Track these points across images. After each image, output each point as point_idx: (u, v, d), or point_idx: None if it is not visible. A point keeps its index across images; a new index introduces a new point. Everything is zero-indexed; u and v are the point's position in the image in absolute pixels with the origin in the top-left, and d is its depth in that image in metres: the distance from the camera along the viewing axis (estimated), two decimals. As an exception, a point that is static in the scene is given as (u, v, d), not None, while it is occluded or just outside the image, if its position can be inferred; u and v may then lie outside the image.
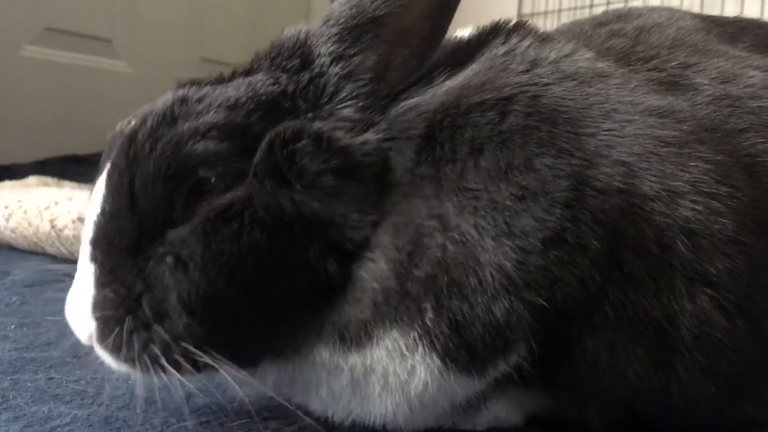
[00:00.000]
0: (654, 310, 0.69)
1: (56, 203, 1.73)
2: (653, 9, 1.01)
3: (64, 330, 0.74)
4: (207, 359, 0.68)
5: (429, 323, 0.68)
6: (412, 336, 0.69)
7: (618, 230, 0.68)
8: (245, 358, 0.72)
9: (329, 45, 0.75)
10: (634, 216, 0.68)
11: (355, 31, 0.74)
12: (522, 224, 0.67)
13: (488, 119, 0.71)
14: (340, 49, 0.75)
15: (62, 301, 0.73)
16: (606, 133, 0.71)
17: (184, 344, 0.68)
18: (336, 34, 0.75)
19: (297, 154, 0.69)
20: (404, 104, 0.75)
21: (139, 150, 0.70)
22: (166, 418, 0.80)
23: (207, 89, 0.74)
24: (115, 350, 0.70)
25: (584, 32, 0.93)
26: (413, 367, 0.69)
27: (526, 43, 0.80)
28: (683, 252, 0.68)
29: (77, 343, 0.73)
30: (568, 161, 0.68)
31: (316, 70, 0.75)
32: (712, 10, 2.77)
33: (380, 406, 0.72)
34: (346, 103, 0.74)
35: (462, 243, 0.68)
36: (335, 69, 0.74)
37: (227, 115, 0.70)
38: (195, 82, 0.78)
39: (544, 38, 0.83)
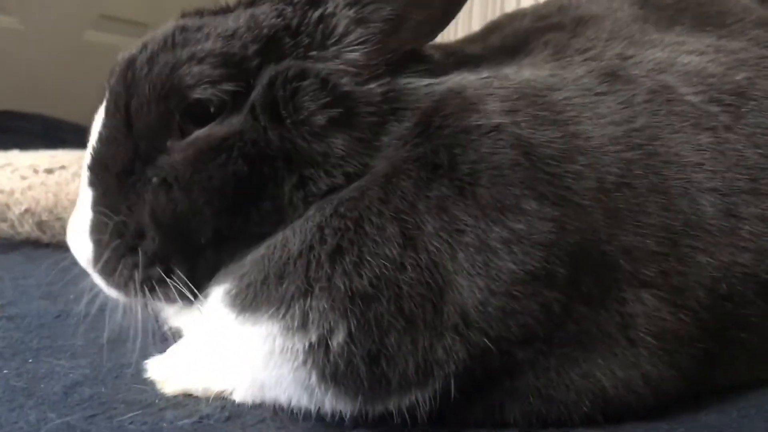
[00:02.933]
0: (610, 320, 0.71)
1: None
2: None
3: None
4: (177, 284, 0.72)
5: (333, 345, 0.65)
6: (294, 344, 0.67)
7: (581, 258, 0.69)
8: (197, 282, 0.74)
9: None
10: (591, 242, 0.70)
11: None
12: (500, 266, 0.66)
13: (487, 147, 0.69)
14: None
15: None
16: (576, 171, 0.71)
17: (158, 268, 0.72)
18: None
19: (299, 92, 0.70)
20: (412, 80, 0.75)
21: (137, 73, 0.72)
22: (44, 413, 0.73)
23: (207, 19, 0.76)
24: (106, 274, 0.74)
25: (525, 29, 0.94)
26: (278, 366, 0.68)
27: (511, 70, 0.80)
28: (625, 266, 0.71)
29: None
30: (550, 207, 0.68)
31: (328, 10, 0.74)
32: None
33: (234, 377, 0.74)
34: (354, 47, 0.73)
35: (428, 271, 0.66)
36: (348, 12, 0.73)
37: (224, 44, 0.71)
38: (197, 13, 0.79)
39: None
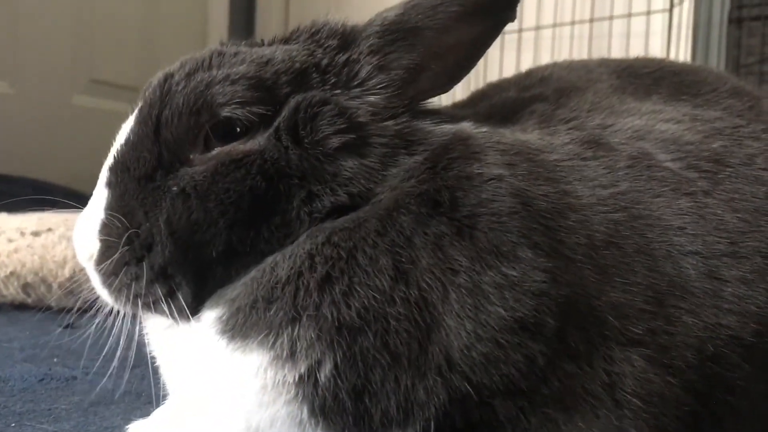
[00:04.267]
0: (596, 379, 0.70)
1: None
2: (572, 69, 1.06)
3: None
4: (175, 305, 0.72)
5: (321, 377, 0.65)
6: (285, 377, 0.66)
7: (570, 311, 0.69)
8: (202, 293, 0.74)
9: (370, 38, 0.79)
10: (581, 296, 0.70)
11: (396, 34, 0.78)
12: (490, 311, 0.66)
13: (487, 194, 0.71)
14: (380, 43, 0.78)
15: None
16: (568, 227, 0.73)
17: (159, 287, 0.72)
18: (378, 32, 0.78)
19: (318, 116, 0.73)
20: (425, 122, 0.78)
21: (173, 87, 0.75)
22: None
23: (244, 48, 0.80)
24: (107, 277, 0.73)
25: (511, 99, 0.98)
26: (271, 403, 0.67)
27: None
28: (614, 323, 0.71)
29: None
30: (544, 258, 0.69)
31: (353, 56, 0.78)
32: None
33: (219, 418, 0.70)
34: (376, 91, 0.77)
35: (417, 308, 0.66)
36: (371, 59, 0.78)
37: (258, 70, 0.75)
38: (234, 43, 0.83)
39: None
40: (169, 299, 0.73)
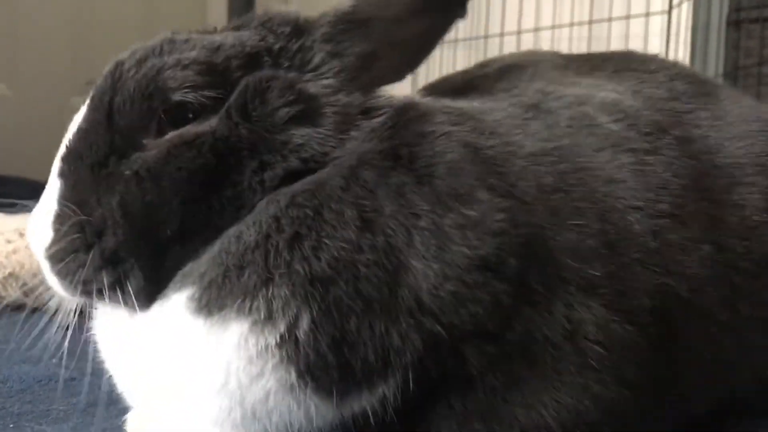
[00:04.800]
0: (555, 325, 0.71)
1: None
2: (514, 55, 1.10)
3: None
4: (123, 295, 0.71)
5: (300, 334, 0.65)
6: (266, 340, 0.66)
7: (530, 250, 0.71)
8: (158, 276, 0.73)
9: (323, 27, 0.79)
10: (539, 236, 0.72)
11: (350, 24, 0.79)
12: (454, 251, 0.68)
13: (440, 147, 0.73)
14: (333, 32, 0.78)
15: None
16: (516, 172, 0.75)
17: (107, 274, 0.71)
18: (331, 21, 0.79)
19: (267, 91, 0.73)
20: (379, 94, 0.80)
21: (124, 74, 0.74)
22: None
23: (195, 35, 0.80)
24: (55, 264, 0.73)
25: (456, 81, 1.01)
26: (260, 374, 0.66)
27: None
28: (572, 264, 0.72)
29: None
30: (500, 198, 0.71)
31: (306, 43, 0.78)
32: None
33: (208, 402, 0.69)
34: (329, 74, 0.77)
35: (384, 253, 0.67)
36: (325, 46, 0.78)
37: (209, 55, 0.75)
38: (186, 32, 0.82)
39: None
40: (117, 286, 0.72)
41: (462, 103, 0.85)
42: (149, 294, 0.73)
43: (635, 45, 2.78)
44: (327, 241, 0.67)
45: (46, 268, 0.74)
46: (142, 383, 0.76)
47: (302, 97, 0.74)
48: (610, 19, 2.89)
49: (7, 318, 1.43)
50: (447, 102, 0.84)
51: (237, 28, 0.82)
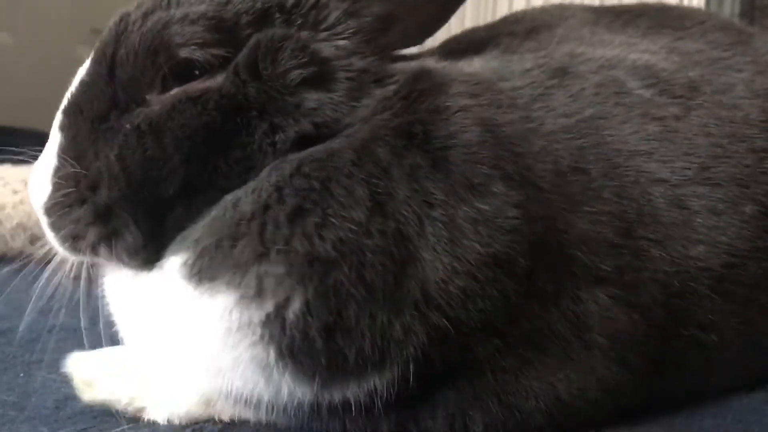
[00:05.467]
0: (562, 320, 0.71)
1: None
2: (545, 11, 1.04)
3: None
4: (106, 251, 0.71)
5: (289, 314, 0.64)
6: (250, 316, 0.65)
7: (540, 249, 0.69)
8: (161, 235, 0.72)
9: None
10: (551, 233, 0.70)
11: None
12: (466, 245, 0.66)
13: (455, 126, 0.70)
14: None
15: None
16: (534, 153, 0.73)
17: (98, 229, 0.70)
18: None
19: (280, 51, 0.71)
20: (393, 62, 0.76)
21: (129, 26, 0.72)
22: (36, 427, 0.73)
23: None
24: (50, 218, 0.73)
25: (479, 37, 0.96)
26: (234, 346, 0.66)
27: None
28: (582, 259, 0.71)
29: None
30: (515, 190, 0.69)
31: (321, 0, 0.74)
32: None
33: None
34: (345, 35, 0.74)
35: (393, 240, 0.65)
36: (341, 4, 0.74)
37: (218, 9, 0.72)
38: None
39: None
40: (109, 241, 0.71)
41: (481, 66, 0.81)
42: (149, 253, 0.72)
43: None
44: (334, 219, 0.65)
45: (43, 222, 0.74)
46: (138, 336, 0.77)
47: (315, 59, 0.71)
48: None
49: (16, 268, 1.43)
50: (464, 67, 0.80)
51: None
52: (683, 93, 0.83)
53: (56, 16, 3.20)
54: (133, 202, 0.70)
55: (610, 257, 0.72)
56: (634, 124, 0.78)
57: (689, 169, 0.77)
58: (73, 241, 0.72)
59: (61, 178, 0.72)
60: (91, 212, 0.70)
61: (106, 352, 0.81)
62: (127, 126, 0.70)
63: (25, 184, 1.56)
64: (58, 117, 0.75)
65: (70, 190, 0.71)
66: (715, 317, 0.77)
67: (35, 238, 1.50)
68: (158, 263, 0.72)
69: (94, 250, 0.72)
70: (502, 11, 2.80)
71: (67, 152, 0.73)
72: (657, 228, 0.74)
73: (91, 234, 0.71)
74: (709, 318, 0.77)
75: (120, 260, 0.73)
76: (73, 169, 0.71)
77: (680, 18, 1.00)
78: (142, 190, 0.70)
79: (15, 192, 1.54)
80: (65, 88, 0.76)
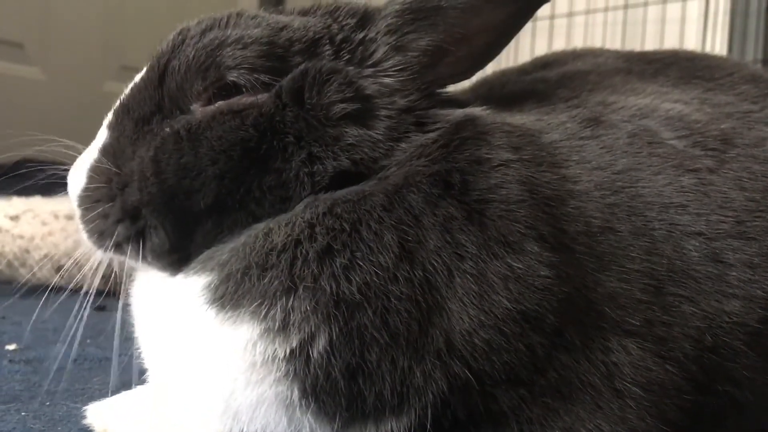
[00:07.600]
0: (593, 370, 0.69)
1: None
2: (578, 55, 1.04)
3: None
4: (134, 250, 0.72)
5: (314, 353, 0.63)
6: (275, 351, 0.64)
7: (568, 307, 0.68)
8: (187, 245, 0.73)
9: (389, 17, 0.75)
10: (579, 291, 0.69)
11: (418, 13, 0.75)
12: (494, 300, 0.65)
13: (496, 180, 0.69)
14: (398, 23, 0.75)
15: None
16: (568, 215, 0.72)
17: (125, 227, 0.72)
18: (398, 10, 0.75)
19: (326, 83, 0.72)
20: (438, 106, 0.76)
21: (187, 39, 0.75)
22: None
23: (263, 13, 0.80)
24: (82, 212, 0.74)
25: (512, 82, 0.96)
26: (259, 382, 0.65)
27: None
28: (610, 314, 0.70)
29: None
30: (550, 252, 0.68)
31: (369, 35, 0.75)
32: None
33: (202, 395, 0.68)
34: (391, 72, 0.74)
35: (420, 289, 0.64)
36: (389, 39, 0.75)
37: (272, 34, 0.74)
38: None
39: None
40: (135, 241, 0.72)
41: (518, 116, 0.80)
42: (174, 260, 0.73)
43: (672, 30, 2.73)
44: (361, 263, 0.64)
45: (77, 215, 0.76)
46: (159, 365, 0.76)
47: (359, 96, 0.72)
48: (646, 4, 2.84)
49: (43, 299, 1.45)
50: (507, 117, 0.79)
51: (304, 14, 0.81)
52: (716, 146, 0.81)
53: (87, 53, 3.28)
54: (162, 208, 0.72)
55: (638, 312, 0.70)
56: (667, 176, 0.77)
57: (725, 222, 0.75)
58: (99, 236, 0.73)
59: (95, 173, 0.74)
60: (119, 210, 0.72)
61: (125, 398, 0.81)
62: (167, 129, 0.72)
63: (55, 216, 1.60)
64: (109, 115, 0.78)
65: (102, 185, 0.73)
66: (750, 374, 0.75)
67: (62, 269, 1.53)
68: (183, 272, 0.73)
69: (118, 247, 0.73)
70: (524, 51, 2.82)
71: (107, 149, 0.75)
72: (688, 283, 0.73)
73: (118, 231, 0.72)
74: (744, 375, 0.75)
75: (145, 259, 0.74)
76: (107, 166, 0.73)
77: (709, 69, 0.99)
78: (173, 198, 0.71)
79: (44, 224, 1.57)
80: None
